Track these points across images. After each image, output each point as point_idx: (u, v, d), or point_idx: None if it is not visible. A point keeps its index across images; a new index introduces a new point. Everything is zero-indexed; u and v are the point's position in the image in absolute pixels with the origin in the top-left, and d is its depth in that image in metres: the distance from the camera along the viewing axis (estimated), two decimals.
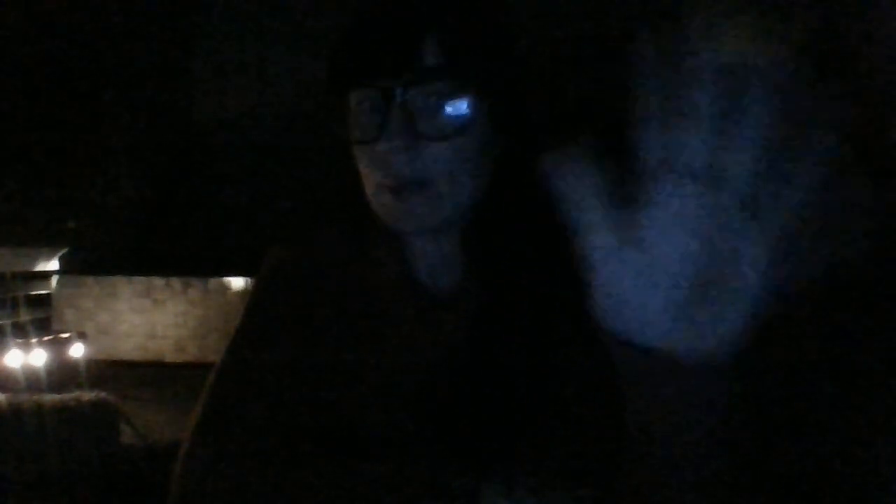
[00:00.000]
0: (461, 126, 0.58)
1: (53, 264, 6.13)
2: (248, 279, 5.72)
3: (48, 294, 6.01)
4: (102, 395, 2.73)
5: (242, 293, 5.81)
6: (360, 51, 0.59)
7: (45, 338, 4.60)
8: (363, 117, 0.60)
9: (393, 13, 0.60)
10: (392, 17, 0.59)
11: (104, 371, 4.70)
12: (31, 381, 3.61)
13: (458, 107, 0.58)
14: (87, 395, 2.68)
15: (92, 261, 6.30)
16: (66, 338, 4.74)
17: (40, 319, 5.57)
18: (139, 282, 6.10)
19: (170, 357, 5.94)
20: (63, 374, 4.14)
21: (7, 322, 4.83)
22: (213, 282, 5.98)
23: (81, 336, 4.84)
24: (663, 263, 0.36)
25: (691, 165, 0.34)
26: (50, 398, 2.60)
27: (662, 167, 0.34)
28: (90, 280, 6.16)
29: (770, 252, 0.34)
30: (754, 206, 0.33)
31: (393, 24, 0.59)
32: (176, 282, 6.05)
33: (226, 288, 5.95)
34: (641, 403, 0.40)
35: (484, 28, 0.62)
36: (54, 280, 6.12)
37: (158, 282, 6.07)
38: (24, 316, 5.30)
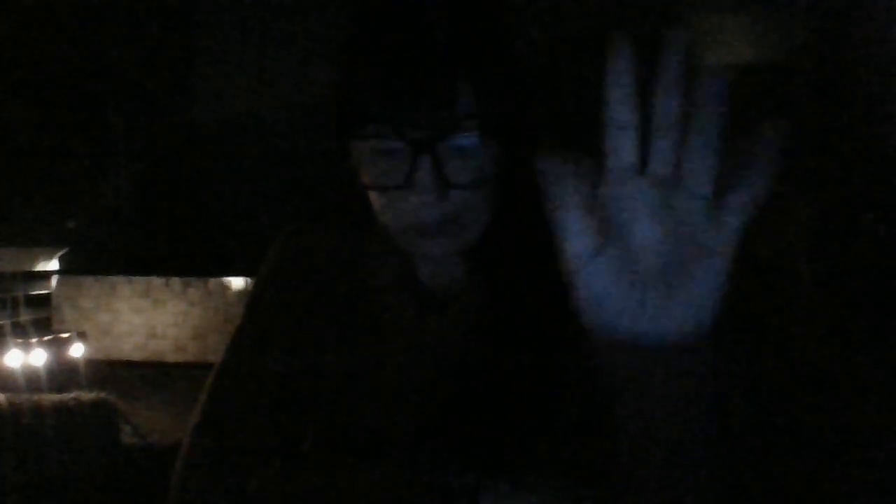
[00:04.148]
0: (489, 172, 0.56)
1: (53, 264, 6.12)
2: (248, 279, 5.72)
3: (48, 294, 6.00)
4: (102, 395, 2.72)
5: (242, 293, 5.80)
6: (386, 100, 0.53)
7: (45, 338, 4.59)
8: (383, 164, 0.56)
9: (423, 57, 0.53)
10: (423, 62, 0.53)
11: (104, 371, 4.69)
12: (31, 381, 3.60)
13: (486, 154, 0.55)
14: (87, 395, 2.67)
15: (92, 261, 6.29)
16: (66, 338, 4.73)
17: (40, 319, 5.57)
18: (139, 282, 6.09)
19: (170, 357, 5.93)
20: (63, 374, 4.14)
21: (7, 322, 4.82)
22: (213, 282, 5.97)
23: (81, 336, 4.83)
24: (634, 258, 0.38)
25: (657, 170, 0.36)
26: (50, 398, 2.60)
27: (632, 170, 0.37)
28: (90, 280, 6.15)
29: (733, 242, 0.36)
30: (716, 205, 0.35)
31: (425, 71, 0.53)
32: (176, 282, 6.05)
33: (226, 288, 5.94)
34: (629, 395, 0.41)
35: (509, 68, 0.58)
36: (54, 280, 6.12)
37: (158, 282, 6.07)
38: (24, 316, 5.29)
